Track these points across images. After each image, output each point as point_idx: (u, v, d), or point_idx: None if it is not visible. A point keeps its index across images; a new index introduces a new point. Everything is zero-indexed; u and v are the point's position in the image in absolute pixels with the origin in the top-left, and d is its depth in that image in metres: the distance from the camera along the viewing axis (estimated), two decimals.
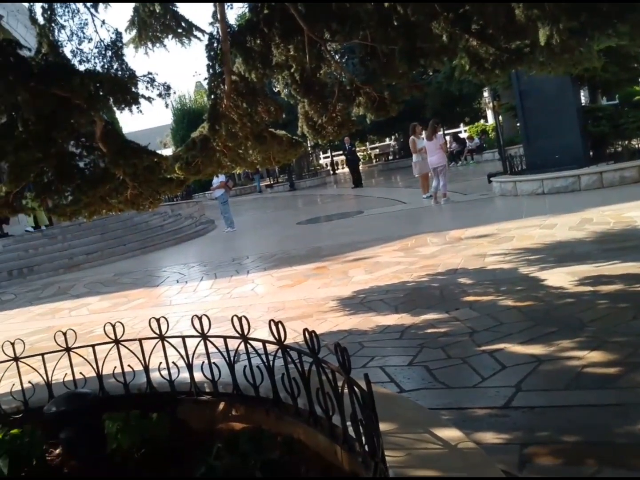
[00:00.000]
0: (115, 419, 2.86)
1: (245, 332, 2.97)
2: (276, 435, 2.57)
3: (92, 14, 5.08)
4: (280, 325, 2.73)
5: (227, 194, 15.44)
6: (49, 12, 4.85)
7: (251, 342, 2.97)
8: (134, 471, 2.74)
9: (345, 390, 2.21)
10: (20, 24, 15.37)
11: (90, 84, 4.42)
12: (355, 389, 2.15)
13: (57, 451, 3.20)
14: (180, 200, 26.14)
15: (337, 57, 6.06)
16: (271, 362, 2.84)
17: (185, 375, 3.30)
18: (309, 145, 26.06)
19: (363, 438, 2.16)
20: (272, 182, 33.26)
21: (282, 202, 22.78)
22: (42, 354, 3.54)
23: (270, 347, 2.87)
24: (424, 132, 13.87)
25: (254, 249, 10.97)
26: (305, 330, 2.48)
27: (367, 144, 39.42)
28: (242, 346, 3.01)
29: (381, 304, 5.44)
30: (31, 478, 2.85)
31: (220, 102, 5.34)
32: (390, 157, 34.97)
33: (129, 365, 3.44)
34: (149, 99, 4.80)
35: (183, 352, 3.23)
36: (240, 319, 2.94)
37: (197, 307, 6.84)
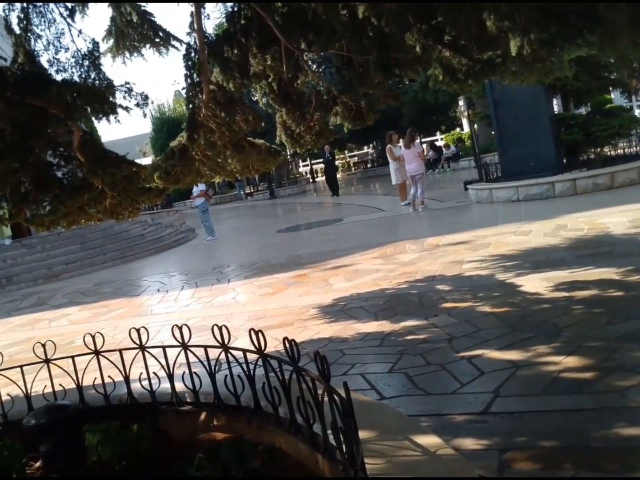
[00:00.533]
0: (95, 431, 2.82)
1: (226, 341, 2.95)
2: (257, 444, 2.56)
3: (68, 23, 5.04)
4: (260, 334, 2.72)
5: (208, 202, 15.37)
6: (24, 22, 4.81)
7: (232, 351, 2.96)
8: None
9: (326, 399, 2.21)
10: None
11: (67, 93, 4.39)
12: (335, 397, 2.15)
13: (37, 464, 3.14)
14: (161, 209, 25.95)
15: (314, 66, 6.08)
16: (252, 371, 2.83)
17: (166, 385, 3.27)
18: (288, 153, 26.07)
19: (343, 446, 2.16)
20: (252, 190, 33.17)
21: (262, 211, 22.75)
22: (21, 366, 3.48)
23: (251, 356, 2.86)
24: (401, 140, 13.96)
25: (235, 258, 10.93)
26: (285, 338, 2.47)
27: (346, 152, 39.56)
28: (222, 355, 3.00)
29: (361, 311, 5.44)
30: None
31: (199, 112, 5.33)
32: (369, 165, 35.07)
33: (109, 376, 3.40)
34: (126, 108, 4.77)
35: (164, 362, 3.20)
36: (220, 328, 2.93)
37: (178, 316, 6.78)
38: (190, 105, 5.41)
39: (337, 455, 2.23)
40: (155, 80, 70.62)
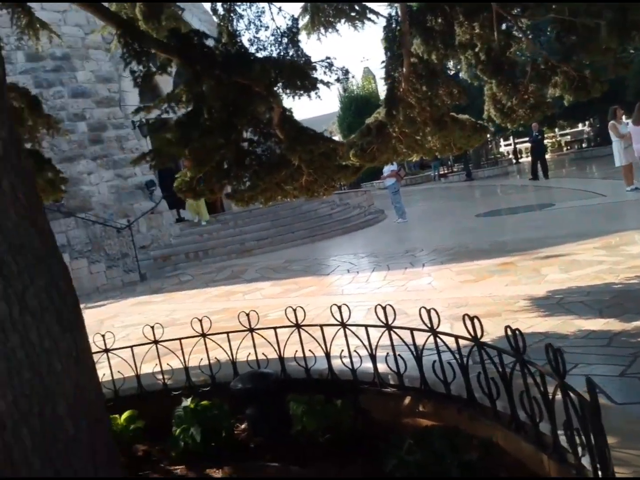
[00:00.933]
0: (300, 402, 2.99)
1: (434, 325, 2.94)
2: (471, 436, 2.51)
3: (268, 2, 5.35)
4: (476, 321, 2.66)
5: (399, 183, 15.47)
6: (228, 2, 5.19)
7: (441, 336, 2.94)
8: (320, 455, 2.84)
9: (557, 396, 2.10)
10: (194, 17, 16.66)
11: (270, 71, 4.66)
12: (572, 394, 2.03)
13: (243, 426, 3.43)
14: (348, 189, 26.70)
15: (528, 33, 5.75)
16: (465, 359, 2.78)
17: (367, 365, 3.36)
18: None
19: (579, 449, 2.03)
20: (445, 171, 32.73)
21: (457, 193, 22.32)
22: (227, 333, 3.82)
23: (463, 344, 2.81)
24: (624, 117, 12.77)
25: (428, 241, 10.86)
26: (507, 327, 2.38)
27: (557, 130, 37.18)
28: (429, 341, 2.99)
29: (582, 307, 5.08)
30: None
31: (398, 86, 5.35)
32: (584, 145, 32.67)
33: (310, 350, 3.58)
34: (327, 83, 4.96)
35: (366, 342, 3.28)
36: (429, 312, 2.92)
37: (370, 298, 6.93)
38: (390, 80, 5.45)
39: (570, 458, 2.11)
40: (344, 57, 72.71)
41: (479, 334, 2.65)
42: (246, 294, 8.87)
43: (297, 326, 3.58)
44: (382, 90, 36.87)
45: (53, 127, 5.26)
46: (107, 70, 15.83)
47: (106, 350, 3.90)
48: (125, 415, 3.38)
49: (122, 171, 15.17)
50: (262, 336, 3.72)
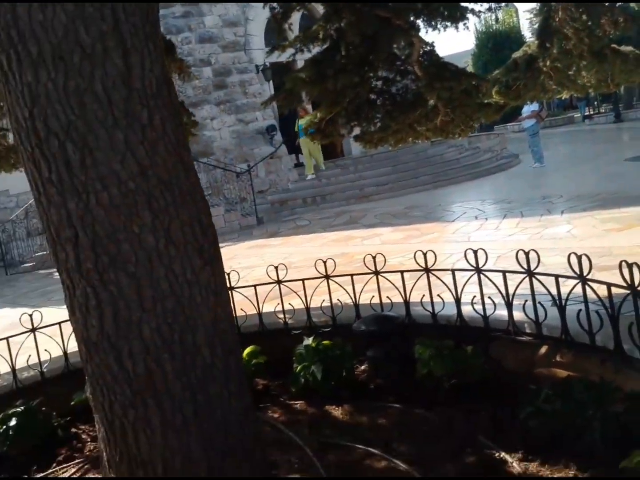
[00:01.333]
0: (427, 345, 3.03)
1: (584, 273, 2.84)
2: (617, 388, 2.44)
3: None
4: (635, 267, 2.55)
5: (539, 124, 14.81)
6: None
7: (591, 284, 2.84)
8: (445, 400, 2.88)
9: None
10: None
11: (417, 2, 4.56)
12: None
13: (362, 367, 3.55)
14: (479, 132, 25.88)
15: None
16: (617, 309, 2.69)
17: (500, 312, 3.33)
18: None
19: None
20: (590, 112, 30.86)
21: (603, 136, 21.05)
22: (351, 275, 3.91)
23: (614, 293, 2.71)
24: None
25: (568, 188, 10.39)
26: None
27: None
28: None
29: None
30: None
31: (554, 16, 5.06)
32: None
33: (438, 295, 3.59)
34: (477, 13, 4.80)
35: (503, 289, 3.24)
36: (579, 257, 2.83)
37: (501, 246, 6.78)
38: (545, 9, 5.17)
39: None
40: None
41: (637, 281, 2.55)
42: (365, 239, 8.97)
43: (427, 270, 3.59)
44: (524, 24, 35.06)
45: (185, 72, 5.50)
46: (234, 14, 16.27)
47: (231, 288, 4.12)
48: (247, 350, 3.58)
49: (244, 116, 15.74)
50: (387, 279, 3.77)
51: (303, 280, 4.05)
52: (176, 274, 2.17)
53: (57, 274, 2.35)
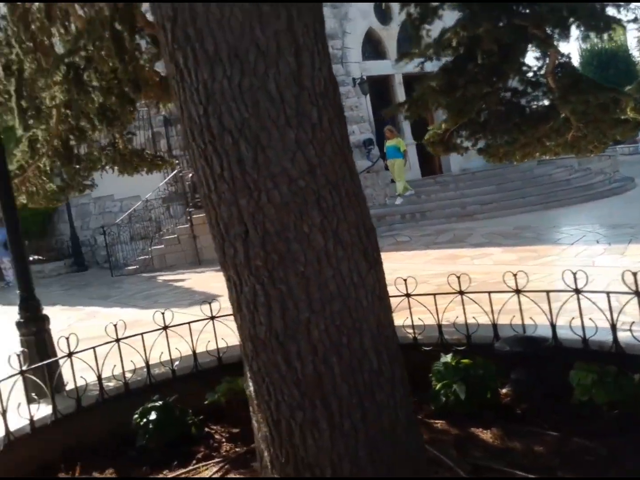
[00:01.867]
0: (589, 371, 2.92)
1: None
2: None
3: None
4: None
5: None
6: None
7: None
8: (607, 431, 2.76)
9: None
10: None
11: (561, 10, 4.46)
12: None
13: (504, 390, 3.45)
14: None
15: None
16: None
17: None
18: None
19: None
20: None
21: None
22: (489, 292, 3.81)
23: None
24: None
25: None
26: None
27: None
28: None
29: None
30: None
31: None
32: None
33: (589, 319, 3.45)
34: (620, 22, 4.66)
35: None
36: None
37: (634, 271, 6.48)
38: None
39: None
40: None
41: None
42: (474, 258, 8.83)
43: (577, 291, 3.46)
44: (632, 43, 33.83)
45: None
46: (331, 27, 16.53)
47: None
48: None
49: None
50: (529, 298, 3.67)
51: (434, 294, 4.00)
52: (343, 276, 2.19)
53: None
